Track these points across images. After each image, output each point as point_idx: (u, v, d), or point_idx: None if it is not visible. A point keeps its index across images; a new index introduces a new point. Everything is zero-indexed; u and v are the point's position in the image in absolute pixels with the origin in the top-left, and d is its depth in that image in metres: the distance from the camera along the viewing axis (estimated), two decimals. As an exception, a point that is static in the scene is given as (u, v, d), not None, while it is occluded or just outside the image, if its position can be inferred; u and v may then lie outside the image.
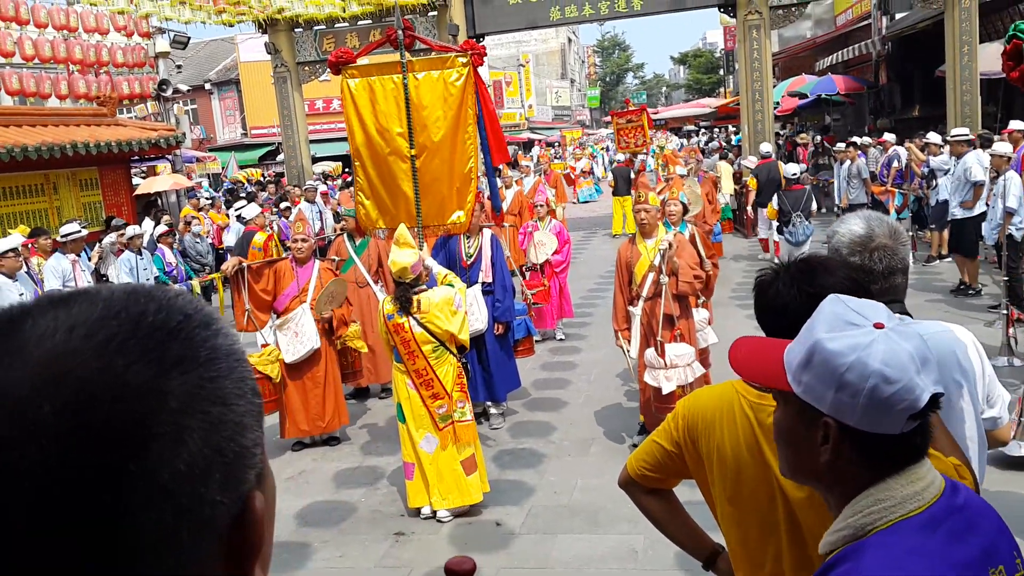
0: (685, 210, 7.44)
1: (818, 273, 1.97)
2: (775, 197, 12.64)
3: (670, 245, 6.20)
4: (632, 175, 19.33)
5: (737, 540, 2.19)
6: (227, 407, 0.61)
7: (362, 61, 6.56)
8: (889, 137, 15.74)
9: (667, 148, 20.43)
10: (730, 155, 20.29)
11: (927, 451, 1.35)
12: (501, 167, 16.52)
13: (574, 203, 27.01)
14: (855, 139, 16.39)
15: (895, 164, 14.33)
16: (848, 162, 14.95)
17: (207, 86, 37.07)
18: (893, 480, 1.31)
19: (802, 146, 21.51)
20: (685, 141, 30.62)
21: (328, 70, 6.89)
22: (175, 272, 12.36)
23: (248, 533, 0.63)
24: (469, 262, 7.46)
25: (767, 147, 16.19)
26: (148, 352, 0.59)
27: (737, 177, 17.61)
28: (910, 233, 13.50)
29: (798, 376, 1.35)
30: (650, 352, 6.27)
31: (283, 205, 15.82)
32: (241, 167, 30.23)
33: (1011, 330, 7.94)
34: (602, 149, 36.91)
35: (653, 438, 2.32)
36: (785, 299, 1.91)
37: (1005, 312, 7.97)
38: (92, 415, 0.55)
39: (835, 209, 16.06)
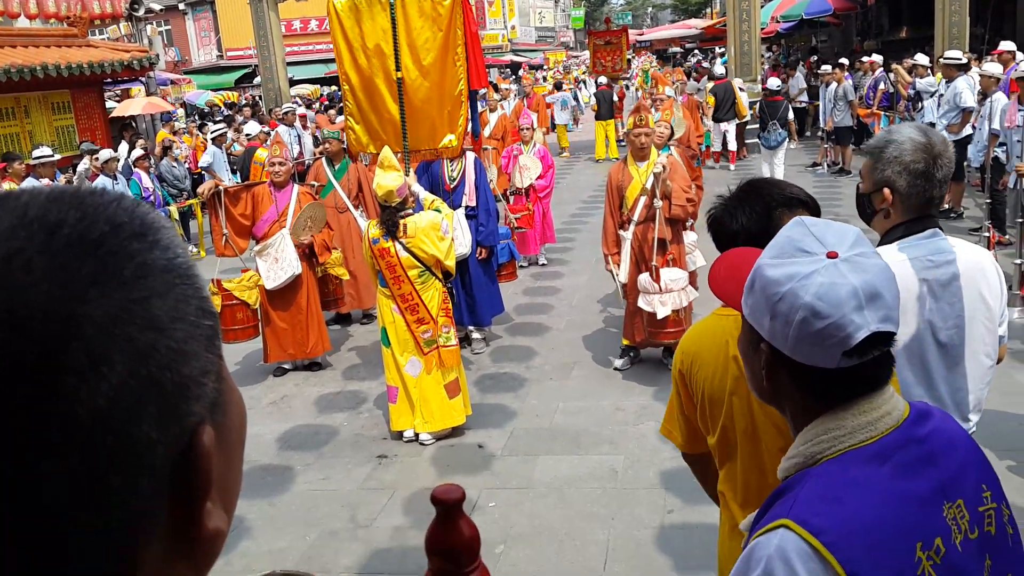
0: (671, 133, 7.35)
1: (761, 187, 1.99)
2: (757, 106, 13.88)
3: (664, 168, 6.12)
4: (615, 99, 19.06)
5: (726, 474, 2.20)
6: (160, 332, 0.53)
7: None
8: (876, 58, 15.54)
9: (649, 69, 20.07)
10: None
11: (883, 384, 1.30)
12: (486, 90, 16.28)
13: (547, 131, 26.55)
14: (842, 60, 16.16)
15: (881, 86, 14.19)
16: (834, 84, 14.79)
17: (181, 6, 36.04)
18: (844, 409, 1.27)
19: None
20: (673, 63, 30.12)
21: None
22: (152, 197, 12.17)
23: (194, 472, 0.56)
24: (452, 186, 7.36)
25: (720, 69, 17.61)
26: (58, 269, 0.50)
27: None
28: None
29: (746, 299, 1.32)
30: (644, 277, 6.23)
31: (258, 130, 15.56)
32: (216, 90, 29.60)
33: (992, 252, 7.96)
34: (583, 73, 36.16)
35: (674, 399, 2.32)
36: (740, 220, 1.93)
37: (987, 235, 7.99)
38: None
39: (819, 133, 15.96)
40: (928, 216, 2.39)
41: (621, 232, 6.51)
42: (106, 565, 0.52)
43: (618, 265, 6.51)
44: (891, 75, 13.83)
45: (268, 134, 14.72)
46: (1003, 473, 1.94)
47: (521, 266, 10.14)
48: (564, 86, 24.35)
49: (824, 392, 1.28)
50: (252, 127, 13.63)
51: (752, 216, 1.94)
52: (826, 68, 15.96)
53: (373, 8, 6.09)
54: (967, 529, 1.26)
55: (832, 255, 1.23)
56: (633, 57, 30.57)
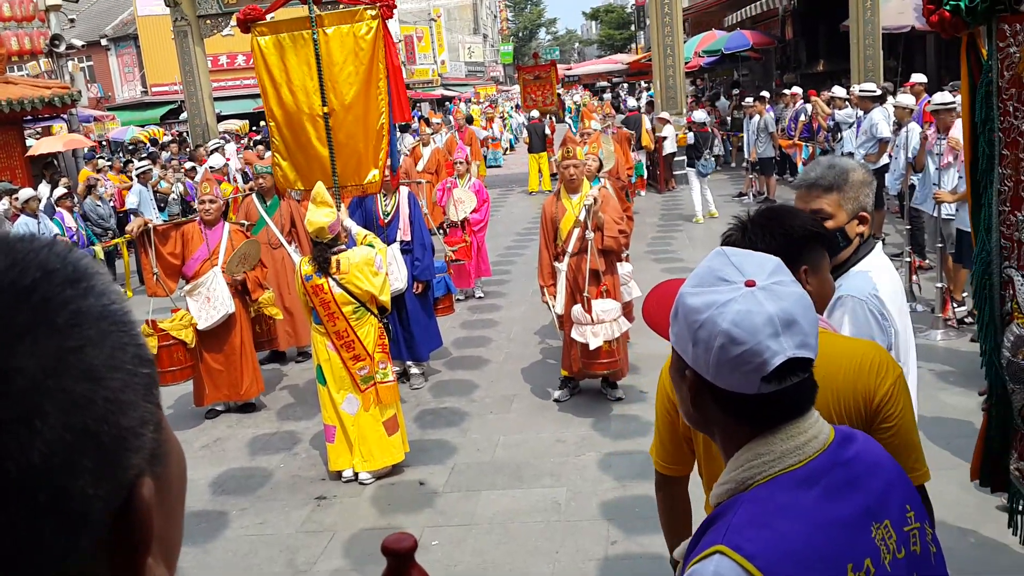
0: (600, 166, 7.45)
1: (784, 217, 2.01)
2: (691, 135, 15.05)
3: (595, 200, 6.20)
4: (547, 132, 19.28)
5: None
6: (96, 382, 0.50)
7: (271, 17, 6.32)
8: (797, 91, 16.07)
9: (585, 103, 20.39)
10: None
11: (808, 407, 1.33)
12: (417, 124, 16.33)
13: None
14: (763, 93, 16.67)
15: (802, 118, 14.65)
16: (756, 116, 15.23)
17: (103, 42, 35.39)
18: (772, 435, 1.29)
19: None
20: (606, 96, 30.55)
21: (231, 23, 6.62)
22: (76, 237, 11.81)
23: (134, 527, 0.53)
24: (386, 220, 7.32)
25: (633, 102, 18.83)
26: None
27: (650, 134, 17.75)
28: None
29: (672, 327, 1.35)
30: (577, 308, 6.29)
31: (188, 165, 15.29)
32: (141, 126, 29.01)
33: (914, 277, 8.25)
34: (515, 108, 36.53)
35: (656, 422, 2.29)
36: (760, 248, 1.93)
37: (908, 260, 8.28)
38: None
39: (744, 164, 16.38)
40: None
41: (556, 264, 6.56)
42: None
43: (554, 296, 6.55)
44: (810, 107, 14.30)
45: (195, 170, 14.51)
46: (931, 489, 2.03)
47: (458, 299, 10.11)
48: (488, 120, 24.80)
49: (749, 417, 1.30)
50: (216, 159, 13.71)
51: (771, 246, 1.92)
52: (748, 101, 16.44)
53: (296, 43, 6.07)
54: (895, 549, 1.29)
55: (750, 283, 1.26)
56: (563, 92, 30.99)
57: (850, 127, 12.28)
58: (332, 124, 6.07)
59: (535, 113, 19.48)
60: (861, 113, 11.44)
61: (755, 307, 1.23)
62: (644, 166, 17.82)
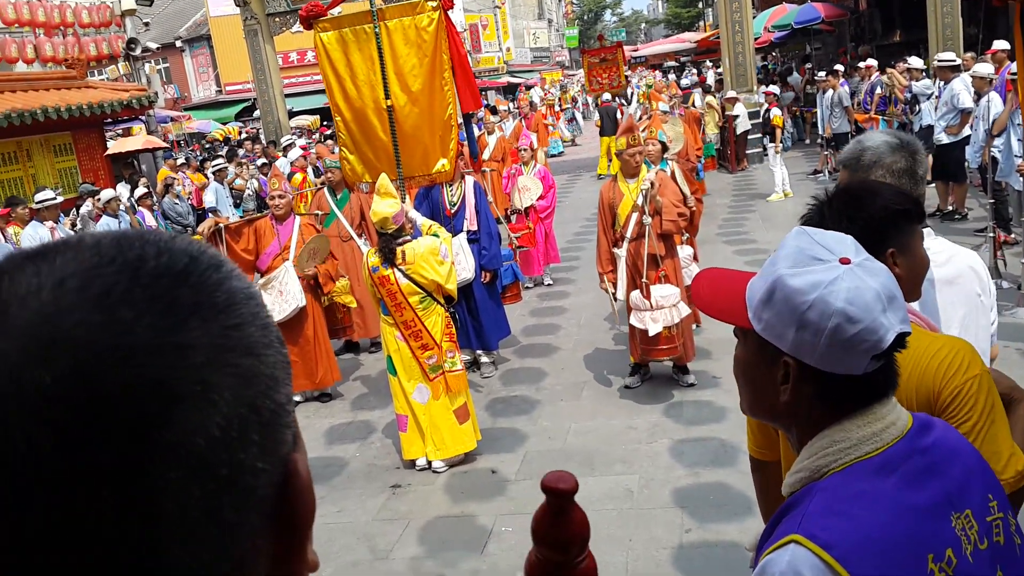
0: (665, 148, 7.34)
1: (864, 199, 1.91)
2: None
3: (652, 184, 6.12)
4: (619, 115, 19.13)
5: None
6: (257, 358, 0.53)
7: (333, 12, 6.40)
8: (872, 63, 15.58)
9: (653, 83, 20.14)
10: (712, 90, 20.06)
11: (892, 391, 1.29)
12: (482, 113, 16.34)
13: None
14: (836, 67, 16.20)
15: (878, 90, 14.19)
16: (830, 91, 14.82)
17: (178, 43, 36.36)
18: (849, 421, 1.26)
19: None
20: (671, 76, 30.06)
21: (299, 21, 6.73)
22: (156, 235, 12.19)
23: (297, 502, 0.55)
24: (453, 211, 7.36)
25: (607, 96, 19.10)
26: (156, 300, 0.49)
27: (720, 112, 17.44)
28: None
29: (759, 313, 1.29)
30: (635, 294, 6.23)
31: (261, 162, 15.65)
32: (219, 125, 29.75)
33: (999, 252, 7.93)
34: (579, 92, 36.19)
35: None
36: (840, 230, 1.85)
37: (992, 235, 7.96)
38: (101, 381, 0.46)
39: (819, 140, 15.97)
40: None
41: (615, 250, 6.50)
42: None
43: (613, 284, 6.48)
44: (886, 79, 13.84)
45: (268, 166, 14.82)
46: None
47: (526, 287, 10.13)
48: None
49: (842, 401, 1.27)
50: (294, 153, 14.13)
51: (852, 232, 1.84)
52: (821, 75, 16.00)
53: (359, 38, 6.13)
54: (976, 540, 1.24)
55: (845, 261, 1.23)
56: (631, 73, 30.58)
57: (928, 99, 11.85)
58: (397, 116, 6.12)
59: (607, 96, 19.33)
60: (940, 84, 11.02)
61: (862, 284, 1.20)
62: (714, 146, 17.55)
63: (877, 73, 14.57)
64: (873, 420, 1.26)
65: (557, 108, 28.25)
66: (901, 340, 1.22)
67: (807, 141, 19.49)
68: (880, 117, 13.96)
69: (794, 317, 1.23)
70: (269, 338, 0.55)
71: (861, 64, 15.93)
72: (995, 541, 1.27)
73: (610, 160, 19.51)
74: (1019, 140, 7.41)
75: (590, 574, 1.11)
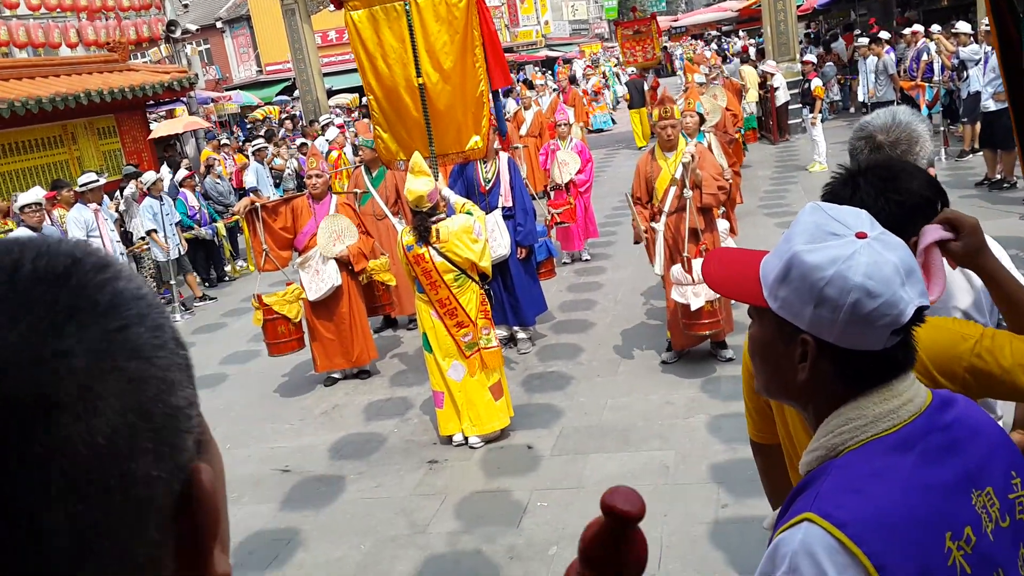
0: (702, 120, 7.24)
1: (901, 178, 1.85)
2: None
3: (692, 157, 6.04)
4: (646, 87, 18.91)
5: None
6: (146, 361, 0.50)
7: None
8: (918, 28, 15.18)
9: (693, 53, 19.86)
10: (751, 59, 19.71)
11: (910, 367, 1.26)
12: (518, 88, 16.27)
13: (588, 130, 26.17)
14: (881, 34, 15.80)
15: (924, 57, 13.84)
16: (873, 58, 14.49)
17: (218, 24, 36.59)
18: (866, 398, 1.23)
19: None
20: (712, 47, 29.50)
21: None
22: (198, 215, 12.38)
23: (199, 512, 0.53)
24: (487, 187, 7.35)
25: (633, 69, 19.14)
26: (31, 306, 0.48)
27: (761, 82, 17.12)
28: (941, 128, 13.12)
29: (775, 291, 1.26)
30: (676, 268, 6.17)
31: (299, 142, 15.76)
32: (258, 106, 29.98)
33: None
34: (615, 66, 35.70)
35: (743, 388, 2.23)
36: (871, 209, 1.79)
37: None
38: None
39: (862, 109, 15.64)
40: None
41: (653, 224, 6.44)
42: None
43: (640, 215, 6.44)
44: (933, 45, 13.48)
45: (306, 146, 14.93)
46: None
47: (564, 262, 10.11)
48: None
49: (860, 378, 1.25)
50: (331, 132, 14.27)
51: (883, 211, 1.75)
52: (863, 41, 15.62)
53: (389, 16, 6.12)
54: (998, 517, 1.21)
55: (861, 235, 1.20)
56: (671, 45, 30.09)
57: (976, 64, 11.51)
58: (429, 94, 6.12)
59: (633, 69, 19.10)
60: (988, 48, 10.70)
61: (880, 258, 1.18)
62: (756, 117, 17.26)
63: (923, 39, 14.20)
64: (890, 397, 1.23)
65: (601, 82, 27.88)
66: (920, 315, 1.20)
67: (851, 110, 19.08)
68: (926, 84, 13.63)
69: (812, 294, 1.20)
70: (162, 339, 0.53)
71: (907, 30, 15.53)
72: (1018, 519, 1.24)
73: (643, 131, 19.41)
74: None
75: None
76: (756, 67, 17.56)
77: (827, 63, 19.36)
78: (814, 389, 1.29)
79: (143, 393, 0.50)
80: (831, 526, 1.13)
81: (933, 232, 1.70)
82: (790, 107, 17.00)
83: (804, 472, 1.29)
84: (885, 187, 1.82)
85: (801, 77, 15.54)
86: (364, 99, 28.77)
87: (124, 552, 0.48)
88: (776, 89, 16.41)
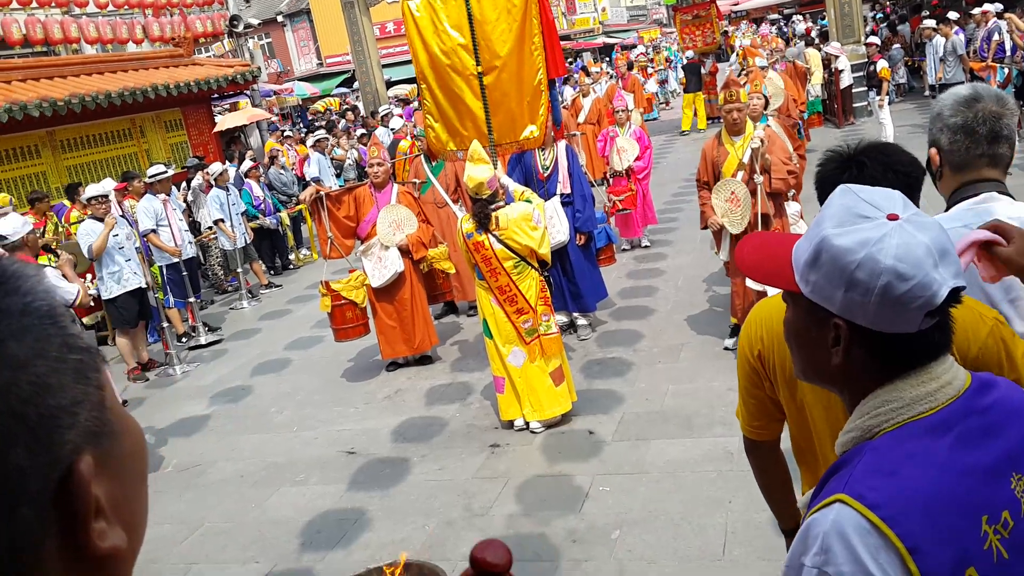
0: (766, 103, 7.13)
1: (898, 154, 1.88)
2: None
3: (762, 141, 5.96)
4: (703, 72, 18.67)
5: (804, 440, 2.11)
6: (17, 370, 0.56)
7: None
8: (989, 8, 14.70)
9: (748, 38, 19.55)
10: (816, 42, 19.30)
11: (947, 349, 1.24)
12: (576, 75, 16.21)
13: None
14: (950, 14, 15.35)
15: (995, 37, 13.40)
16: (940, 38, 14.10)
17: (279, 18, 37.17)
18: (902, 381, 1.22)
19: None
20: (772, 29, 28.89)
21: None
22: (263, 205, 12.63)
23: (72, 495, 0.59)
24: (546, 174, 7.36)
25: (691, 53, 18.95)
26: None
27: (825, 64, 16.75)
28: (1014, 110, 12.71)
29: (806, 275, 1.26)
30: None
31: (360, 133, 15.92)
32: (319, 98, 30.38)
33: None
34: (678, 50, 35.13)
35: (740, 382, 2.20)
36: (882, 184, 1.79)
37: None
38: None
39: (926, 91, 15.23)
40: (983, 180, 2.23)
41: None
42: None
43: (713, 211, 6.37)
44: (1004, 25, 13.05)
45: (367, 136, 15.10)
46: None
47: (624, 249, 10.08)
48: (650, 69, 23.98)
49: (896, 361, 1.23)
50: (396, 122, 14.49)
51: (895, 184, 1.78)
52: (929, 23, 15.19)
53: (447, 4, 6.12)
54: None
55: (893, 217, 1.19)
56: (731, 28, 29.57)
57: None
58: (486, 83, 6.12)
59: (691, 53, 18.87)
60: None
61: (911, 239, 1.16)
62: (821, 101, 16.92)
63: (994, 19, 13.76)
64: (928, 379, 1.22)
65: (650, 69, 27.49)
66: (956, 295, 1.18)
67: (927, 93, 18.55)
68: (997, 65, 13.22)
69: (843, 277, 1.19)
70: (42, 348, 0.58)
71: (976, 10, 15.06)
72: None
73: (695, 115, 19.15)
74: None
75: None
76: (820, 50, 17.20)
77: (894, 45, 18.87)
78: (849, 373, 1.28)
79: (12, 397, 0.56)
80: (864, 507, 1.12)
81: (980, 234, 1.69)
82: (854, 90, 16.63)
83: (840, 452, 1.28)
84: (890, 162, 1.83)
85: (866, 60, 15.20)
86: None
87: None
88: (841, 72, 16.05)
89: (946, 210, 2.28)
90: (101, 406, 0.63)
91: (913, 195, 1.85)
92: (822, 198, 1.93)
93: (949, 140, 2.22)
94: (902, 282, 1.15)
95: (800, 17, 29.96)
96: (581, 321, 7.58)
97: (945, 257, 1.16)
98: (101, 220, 8.43)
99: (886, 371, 1.24)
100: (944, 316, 1.21)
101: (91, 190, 8.68)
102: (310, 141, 15.69)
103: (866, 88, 15.22)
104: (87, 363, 0.62)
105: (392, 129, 14.99)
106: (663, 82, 28.47)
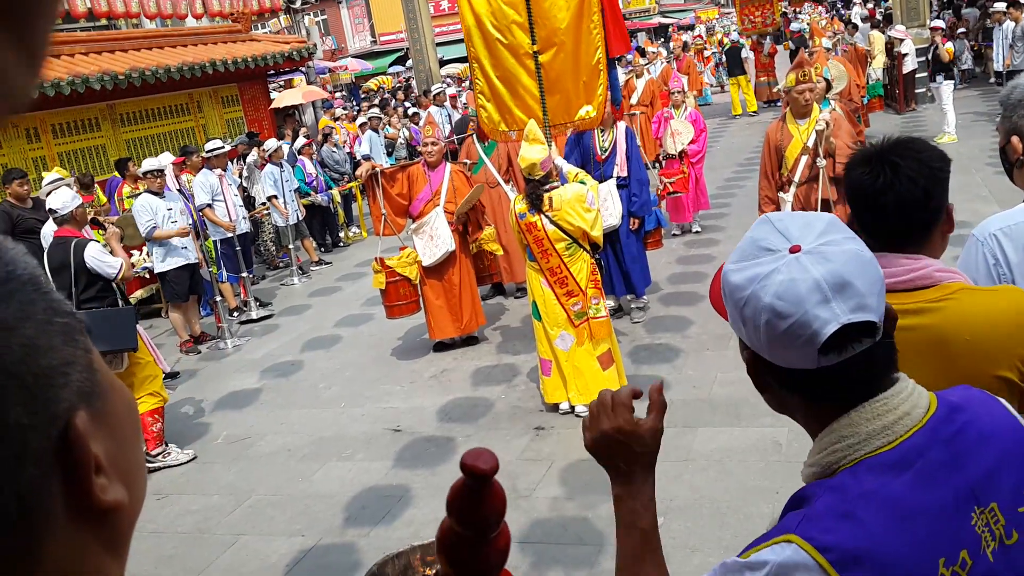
0: (828, 87, 6.97)
1: (927, 148, 1.83)
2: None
3: (827, 124, 5.82)
4: (743, 54, 18.43)
5: None
6: (7, 332, 0.59)
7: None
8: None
9: (809, 22, 19.16)
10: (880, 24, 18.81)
11: (883, 379, 1.18)
12: (631, 55, 16.01)
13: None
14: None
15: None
16: (1010, 23, 13.64)
17: (335, -5, 37.38)
18: (858, 414, 1.17)
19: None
20: (829, 12, 28.32)
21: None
22: (315, 183, 12.75)
23: (73, 451, 0.62)
24: (604, 156, 7.29)
25: (735, 35, 18.96)
26: None
27: (888, 48, 16.32)
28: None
29: (726, 307, 1.25)
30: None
31: (411, 111, 15.95)
32: (372, 75, 30.53)
33: None
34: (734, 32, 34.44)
35: None
36: (919, 180, 1.75)
37: None
38: None
39: (991, 78, 14.75)
40: None
41: (781, 194, 6.25)
42: (6, 541, 0.57)
43: None
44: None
45: (418, 115, 15.11)
46: None
47: (674, 234, 9.98)
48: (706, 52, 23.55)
49: (818, 395, 1.19)
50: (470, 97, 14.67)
51: (932, 176, 1.76)
52: (999, 6, 14.70)
53: None
54: (1002, 535, 1.14)
55: (795, 249, 1.15)
56: (790, 10, 28.96)
57: None
58: (542, 62, 6.04)
59: (734, 36, 18.61)
60: None
61: (799, 274, 1.12)
62: (882, 85, 16.50)
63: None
64: (884, 412, 1.16)
65: (706, 53, 27.02)
66: (867, 329, 1.13)
67: (992, 80, 18.01)
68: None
69: (738, 313, 1.18)
70: (29, 312, 0.60)
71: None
72: None
73: (742, 99, 18.86)
74: None
75: (503, 549, 1.10)
76: (884, 32, 16.76)
77: (958, 30, 18.32)
78: (783, 404, 1.26)
79: (7, 359, 0.58)
80: (813, 550, 1.09)
81: None
82: (917, 75, 16.18)
83: (804, 482, 1.25)
84: (923, 158, 1.79)
85: (931, 44, 14.77)
86: (474, 68, 28.86)
87: (4, 481, 0.57)
88: (904, 56, 15.63)
89: None
90: (90, 367, 0.66)
91: (944, 191, 1.79)
92: (856, 209, 1.87)
93: None
94: (780, 320, 1.12)
95: (859, 1, 29.22)
96: (635, 305, 7.53)
97: (843, 290, 1.11)
98: (157, 194, 8.57)
99: (824, 403, 1.20)
100: (877, 349, 1.16)
101: (147, 164, 8.82)
102: (361, 119, 15.77)
103: (928, 74, 14.78)
104: (73, 326, 0.65)
105: (465, 104, 14.96)
106: (719, 65, 27.95)
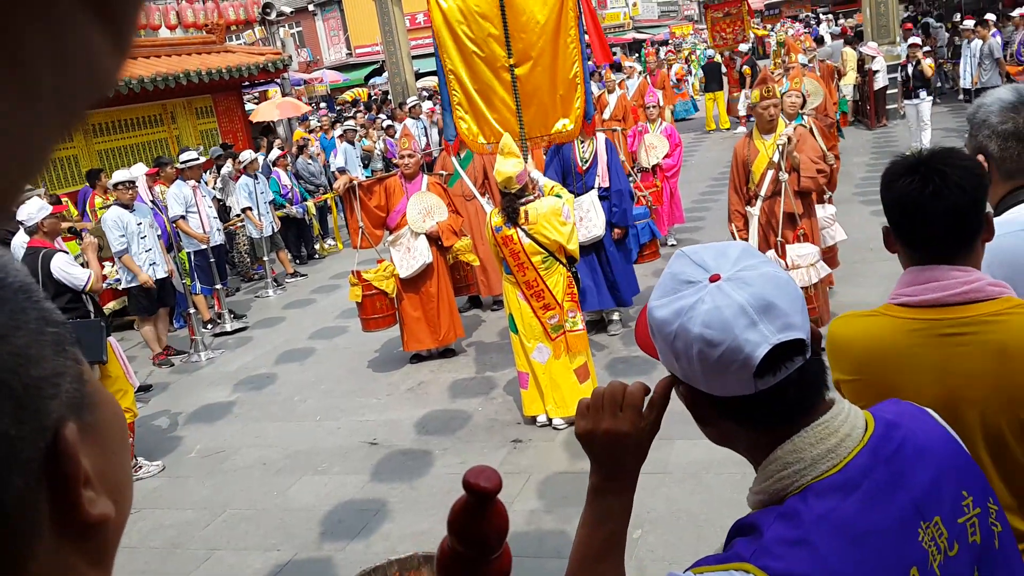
0: (804, 102, 7.06)
1: (966, 157, 1.82)
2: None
3: (789, 139, 5.90)
4: (723, 69, 18.60)
5: None
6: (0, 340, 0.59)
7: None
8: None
9: (780, 39, 19.37)
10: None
11: (818, 396, 1.19)
12: (603, 71, 16.13)
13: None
14: (988, 15, 15.13)
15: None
16: (978, 41, 13.89)
17: (310, 7, 37.28)
18: (800, 439, 1.17)
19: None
20: (802, 28, 28.64)
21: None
22: (290, 194, 12.68)
23: (62, 464, 0.61)
24: (584, 167, 7.31)
25: (712, 52, 18.99)
26: None
27: (859, 64, 16.55)
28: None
29: (656, 345, 1.25)
30: (770, 254, 6.05)
31: (387, 124, 15.93)
32: (346, 88, 30.48)
33: None
34: (706, 47, 34.77)
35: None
36: (966, 190, 1.72)
37: None
38: None
39: (960, 95, 15.00)
40: None
41: (748, 208, 6.32)
42: None
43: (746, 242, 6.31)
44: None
45: (393, 128, 15.10)
46: None
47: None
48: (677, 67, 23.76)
49: (760, 421, 1.19)
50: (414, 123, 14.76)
51: (979, 185, 1.75)
52: (968, 24, 14.96)
53: None
54: (946, 547, 1.16)
55: (715, 278, 1.15)
56: (763, 26, 29.34)
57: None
58: (518, 74, 6.05)
59: (710, 52, 18.82)
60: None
61: (723, 301, 1.12)
62: (849, 101, 16.71)
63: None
64: (825, 436, 1.17)
65: (684, 68, 27.17)
66: (795, 347, 1.13)
67: (961, 96, 18.29)
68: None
69: (669, 348, 1.18)
70: (20, 321, 0.60)
71: (1015, 12, 14.84)
72: (971, 542, 1.19)
73: (716, 115, 19.06)
74: None
75: (504, 570, 1.08)
76: (856, 49, 17.00)
77: (924, 48, 18.62)
78: (725, 436, 1.26)
79: None
80: None
81: None
82: (888, 92, 16.41)
83: (752, 508, 1.25)
84: (968, 166, 1.78)
85: (906, 60, 14.95)
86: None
87: None
88: (875, 72, 15.85)
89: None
90: (80, 379, 0.65)
91: (987, 199, 1.80)
92: (901, 220, 1.84)
93: (1000, 147, 2.18)
94: (712, 348, 1.11)
95: (828, 18, 29.66)
96: (614, 316, 7.55)
97: (769, 312, 1.12)
98: (126, 207, 8.48)
99: (763, 429, 1.20)
100: (810, 366, 1.16)
101: (117, 176, 8.72)
102: (338, 131, 15.73)
103: (908, 90, 14.85)
104: (64, 336, 0.64)
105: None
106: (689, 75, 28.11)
